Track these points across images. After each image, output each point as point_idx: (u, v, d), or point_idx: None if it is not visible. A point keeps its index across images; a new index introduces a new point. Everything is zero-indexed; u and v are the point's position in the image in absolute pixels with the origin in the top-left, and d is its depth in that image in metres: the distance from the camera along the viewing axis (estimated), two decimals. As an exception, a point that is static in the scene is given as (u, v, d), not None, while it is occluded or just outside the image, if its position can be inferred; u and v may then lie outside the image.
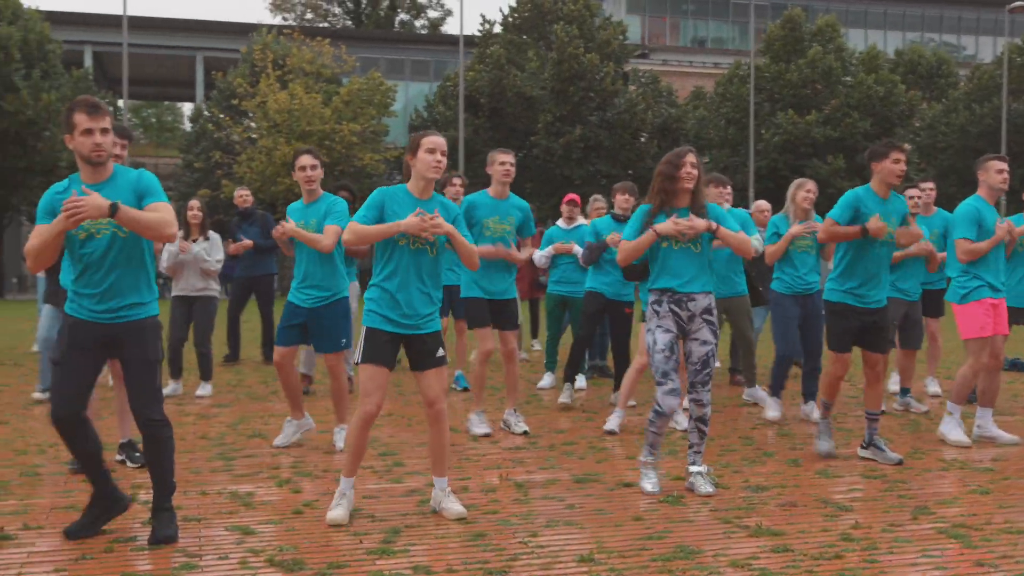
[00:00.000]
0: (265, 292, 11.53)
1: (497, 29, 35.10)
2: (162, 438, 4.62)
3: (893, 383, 9.47)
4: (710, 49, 53.95)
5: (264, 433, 7.36)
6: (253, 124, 31.20)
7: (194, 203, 9.04)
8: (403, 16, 68.96)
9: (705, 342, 5.59)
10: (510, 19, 34.65)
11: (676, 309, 5.56)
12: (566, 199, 9.60)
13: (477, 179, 32.37)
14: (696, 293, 5.57)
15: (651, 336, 5.54)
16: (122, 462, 6.18)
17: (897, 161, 6.18)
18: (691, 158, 5.53)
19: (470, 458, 6.52)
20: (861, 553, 4.47)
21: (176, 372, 9.12)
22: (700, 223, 5.44)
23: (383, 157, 31.63)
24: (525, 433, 7.38)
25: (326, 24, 65.21)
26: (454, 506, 5.04)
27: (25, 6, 32.75)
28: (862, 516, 5.08)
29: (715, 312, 5.66)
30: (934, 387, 9.55)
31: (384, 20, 66.62)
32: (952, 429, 7.06)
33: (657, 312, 5.57)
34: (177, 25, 45.29)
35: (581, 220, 9.66)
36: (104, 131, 4.43)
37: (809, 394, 8.06)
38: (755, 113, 35.85)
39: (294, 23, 63.24)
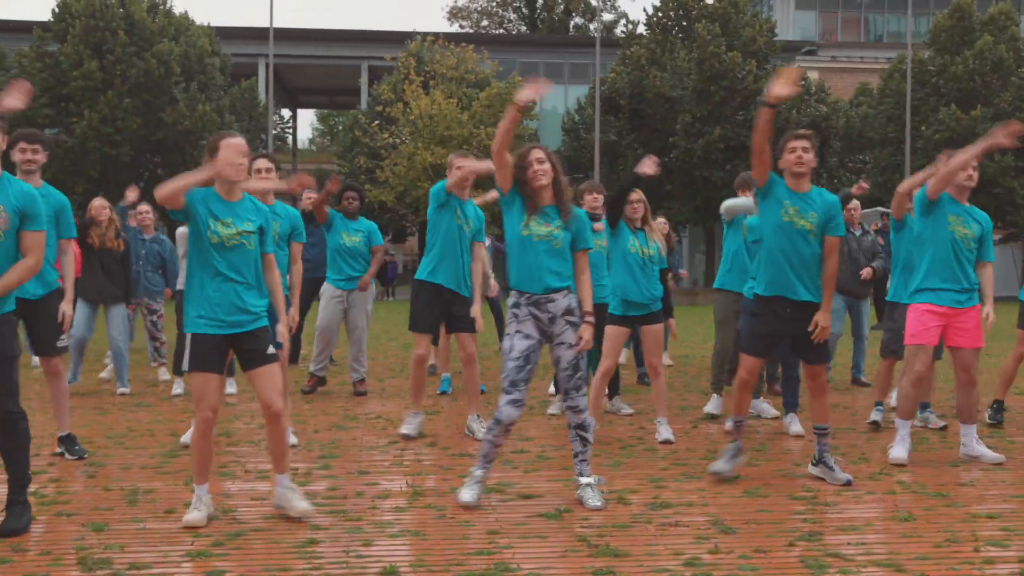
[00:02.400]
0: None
1: (641, 29, 34.64)
2: (18, 430, 4.78)
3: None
4: (886, 44, 51.45)
5: (229, 431, 7.51)
6: (401, 131, 31.91)
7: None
8: (577, 20, 69.24)
9: (572, 345, 5.29)
10: (654, 19, 34.11)
11: (536, 312, 5.29)
12: None
13: (611, 184, 32.09)
14: (555, 293, 5.29)
15: (508, 341, 5.28)
16: (60, 454, 6.43)
17: (792, 151, 5.72)
18: (536, 154, 5.25)
19: (401, 463, 6.45)
20: (681, 580, 4.15)
21: (178, 369, 9.42)
22: None
23: (521, 161, 31.68)
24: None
25: (502, 31, 66.19)
26: (299, 503, 4.99)
27: (197, 22, 34.80)
28: (732, 541, 4.71)
29: (576, 313, 5.33)
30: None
31: (558, 24, 67.01)
32: (895, 446, 6.52)
33: (516, 316, 5.29)
34: (344, 36, 46.97)
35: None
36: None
37: (790, 405, 7.58)
38: (918, 109, 33.97)
39: (471, 30, 64.67)
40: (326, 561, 4.36)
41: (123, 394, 9.33)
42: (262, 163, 6.66)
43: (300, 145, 72.87)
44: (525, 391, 5.29)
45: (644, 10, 35.89)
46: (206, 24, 35.61)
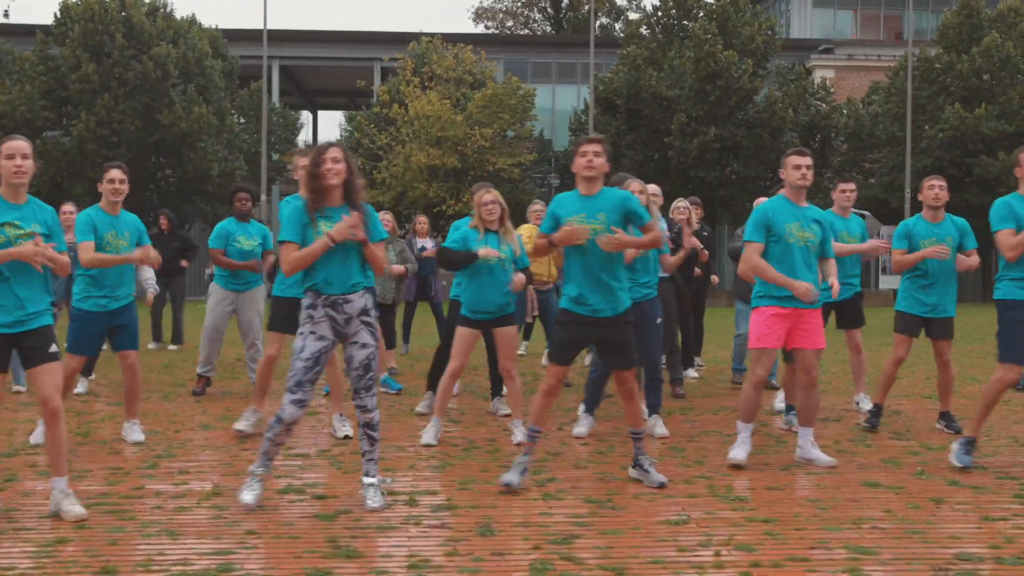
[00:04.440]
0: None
1: (642, 29, 34.46)
2: None
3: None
4: (906, 42, 50.79)
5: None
6: (399, 131, 31.98)
7: (67, 207, 9.45)
8: (603, 20, 69.01)
9: (365, 345, 5.29)
10: (654, 19, 33.91)
11: (333, 313, 5.28)
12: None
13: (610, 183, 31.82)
14: (351, 294, 5.27)
15: (300, 341, 5.28)
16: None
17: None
18: (333, 153, 5.22)
19: (232, 463, 6.49)
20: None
21: (87, 370, 9.52)
22: (361, 232, 5.16)
23: (517, 161, 31.67)
24: (347, 438, 7.29)
25: (527, 31, 66.17)
26: (73, 507, 5.03)
27: (204, 25, 35.12)
28: (482, 543, 4.70)
29: (372, 313, 5.36)
30: (866, 403, 8.70)
31: (583, 24, 66.80)
32: (735, 447, 6.49)
33: (312, 317, 5.29)
34: (358, 37, 47.17)
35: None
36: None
37: (653, 407, 7.51)
38: (924, 108, 33.46)
39: (496, 31, 64.73)
40: (69, 558, 4.41)
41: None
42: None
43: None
44: (310, 392, 5.30)
45: (643, 9, 35.72)
46: (213, 27, 35.95)
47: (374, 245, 5.32)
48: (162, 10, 32.15)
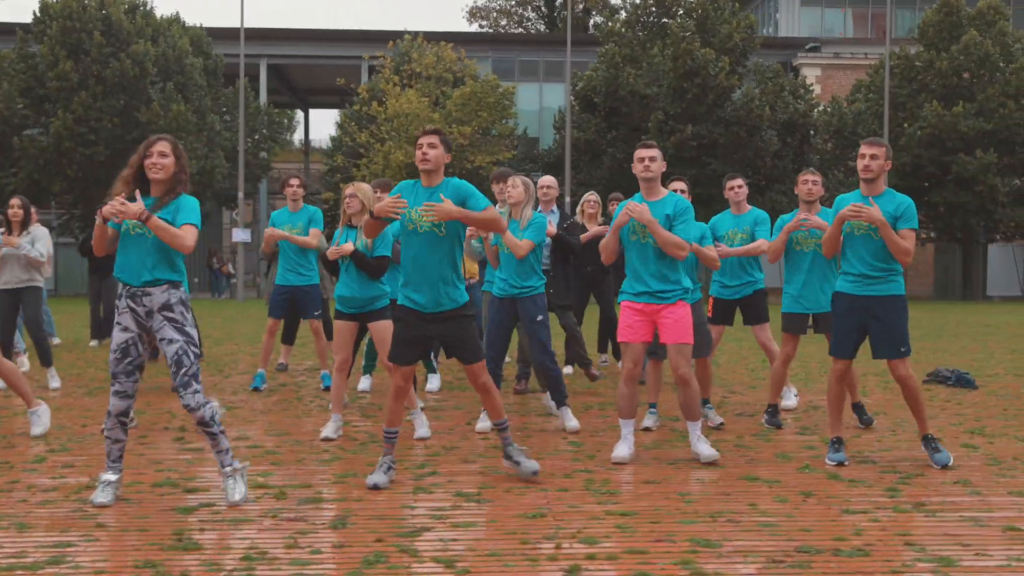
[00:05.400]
0: None
1: (620, 27, 34.49)
2: None
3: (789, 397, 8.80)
4: (893, 40, 50.72)
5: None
6: (379, 129, 32.02)
7: (15, 201, 9.45)
8: (597, 19, 68.88)
9: (171, 341, 5.23)
10: (633, 16, 33.93)
11: (133, 305, 5.28)
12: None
13: (592, 181, 31.88)
14: (151, 287, 5.26)
15: (114, 332, 5.32)
16: None
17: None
18: (160, 147, 5.25)
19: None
20: None
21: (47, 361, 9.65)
22: (131, 207, 5.05)
23: (496, 159, 31.70)
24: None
25: (521, 30, 66.12)
26: None
27: (189, 24, 35.17)
28: (325, 537, 4.71)
29: (178, 309, 5.27)
30: (790, 400, 8.76)
31: (577, 23, 66.75)
32: (618, 445, 6.50)
33: (118, 307, 5.30)
34: (347, 35, 47.20)
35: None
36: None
37: (558, 401, 7.64)
38: (904, 106, 33.50)
39: (490, 30, 64.71)
40: None
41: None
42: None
43: (324, 145, 73.28)
44: (129, 383, 5.28)
45: (623, 5, 35.72)
46: (197, 25, 35.98)
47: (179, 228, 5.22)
48: (142, 8, 32.20)
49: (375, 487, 5.64)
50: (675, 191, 7.34)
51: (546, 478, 5.94)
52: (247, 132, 37.64)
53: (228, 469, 5.35)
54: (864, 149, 6.44)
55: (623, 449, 6.44)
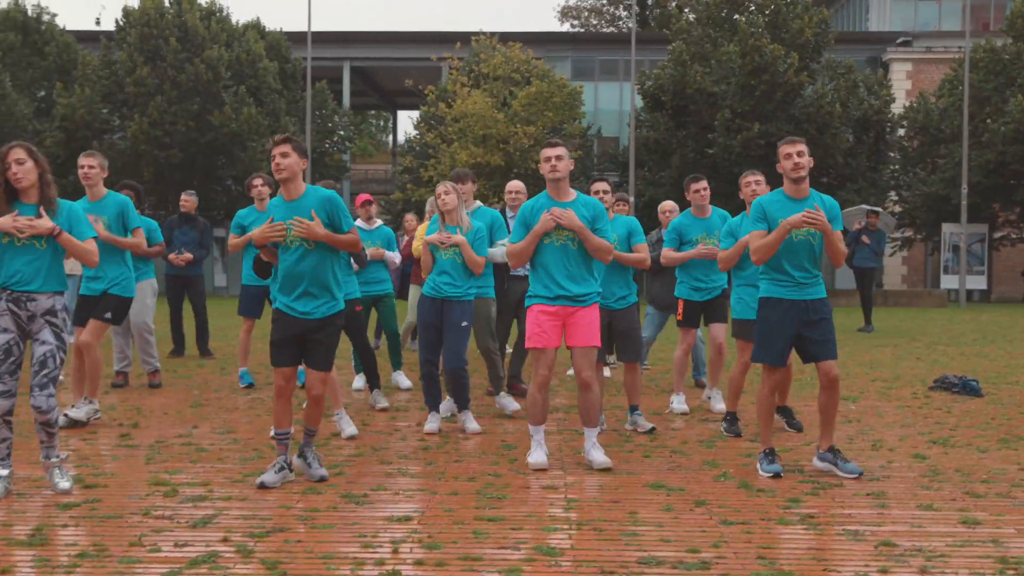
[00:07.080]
0: (198, 291, 12.36)
1: (688, 22, 33.97)
2: None
3: (718, 400, 8.54)
4: (978, 33, 48.82)
5: None
6: (447, 130, 32.22)
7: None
8: (689, 16, 68.22)
9: (44, 342, 5.45)
10: (704, 14, 33.33)
11: (15, 308, 5.45)
12: (359, 201, 9.36)
13: (661, 180, 31.49)
14: (37, 293, 5.44)
15: None
16: None
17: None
18: (14, 155, 5.38)
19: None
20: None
21: None
22: (41, 224, 5.32)
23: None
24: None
25: (612, 29, 65.80)
26: None
27: (269, 28, 36.01)
28: (198, 535, 4.76)
29: (61, 315, 5.48)
30: (718, 400, 8.55)
31: (665, 20, 66.02)
32: (531, 451, 6.39)
33: None
34: (428, 38, 47.70)
35: (379, 221, 9.45)
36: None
37: (460, 404, 7.73)
38: (989, 100, 32.19)
39: (581, 29, 64.64)
40: None
41: None
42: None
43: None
44: (10, 382, 5.44)
45: (678, 5, 35.16)
46: (277, 29, 36.79)
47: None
48: (217, 14, 33.06)
49: (262, 486, 5.68)
50: (597, 192, 7.26)
51: (448, 481, 5.91)
52: (325, 134, 38.30)
53: (55, 460, 5.56)
54: (787, 148, 6.27)
55: (539, 455, 6.34)
